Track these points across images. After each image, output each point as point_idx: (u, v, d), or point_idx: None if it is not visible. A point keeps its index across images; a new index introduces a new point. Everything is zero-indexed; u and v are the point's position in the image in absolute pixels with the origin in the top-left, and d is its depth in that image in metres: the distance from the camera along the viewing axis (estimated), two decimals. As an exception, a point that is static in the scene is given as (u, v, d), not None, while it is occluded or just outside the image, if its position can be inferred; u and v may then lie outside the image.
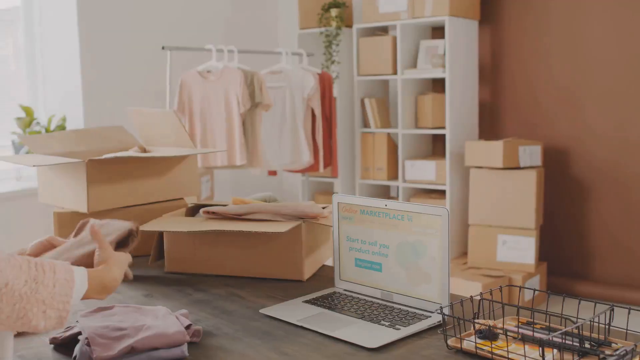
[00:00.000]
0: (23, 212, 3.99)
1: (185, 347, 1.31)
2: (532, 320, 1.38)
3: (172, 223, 1.88)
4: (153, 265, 1.99)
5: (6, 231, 3.94)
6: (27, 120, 4.11)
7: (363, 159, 4.99)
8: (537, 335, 1.28)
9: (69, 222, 2.05)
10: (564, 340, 1.23)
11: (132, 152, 2.17)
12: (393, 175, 4.92)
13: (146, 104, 4.47)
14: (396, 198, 5.06)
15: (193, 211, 2.12)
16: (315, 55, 5.05)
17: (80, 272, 1.14)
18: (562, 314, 1.35)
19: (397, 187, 4.92)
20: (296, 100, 4.44)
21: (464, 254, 4.68)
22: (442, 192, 4.81)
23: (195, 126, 4.09)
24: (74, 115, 4.30)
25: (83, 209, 2.00)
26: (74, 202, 2.03)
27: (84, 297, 1.16)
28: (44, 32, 4.40)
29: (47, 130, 4.10)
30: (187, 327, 1.36)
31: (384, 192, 5.25)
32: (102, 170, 2.01)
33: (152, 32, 4.65)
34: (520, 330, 1.30)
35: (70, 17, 4.28)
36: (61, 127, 4.13)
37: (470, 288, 4.10)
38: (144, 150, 2.27)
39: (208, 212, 1.90)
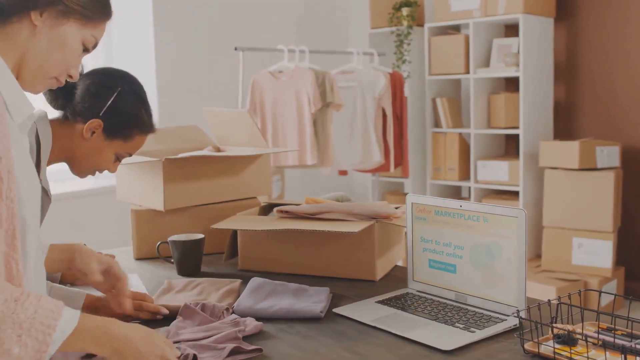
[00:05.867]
0: (101, 209, 4.11)
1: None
2: (612, 326, 1.34)
3: (246, 221, 1.90)
4: (227, 263, 2.02)
5: (84, 228, 4.07)
6: (105, 120, 4.23)
7: (434, 159, 4.94)
8: (618, 341, 1.24)
9: (146, 220, 2.09)
10: (647, 348, 1.19)
11: (207, 152, 2.21)
12: (464, 175, 4.86)
13: (218, 104, 4.54)
14: (467, 199, 4.99)
15: (266, 210, 2.14)
16: (387, 54, 5.02)
17: (72, 311, 1.04)
18: (645, 320, 1.30)
19: (469, 188, 4.86)
20: (367, 100, 4.43)
21: (537, 256, 4.57)
22: (514, 193, 4.72)
23: (267, 126, 4.13)
24: (149, 115, 4.40)
25: (159, 207, 2.04)
26: (151, 200, 2.08)
27: (75, 344, 1.02)
28: (120, 35, 4.51)
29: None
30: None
31: (455, 193, 5.18)
32: (177, 169, 2.05)
33: (225, 33, 4.72)
34: (601, 336, 1.26)
35: (146, 19, 4.39)
36: (137, 127, 4.23)
37: (544, 291, 4.01)
38: (218, 150, 2.31)
39: (281, 211, 1.91)
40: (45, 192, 1.69)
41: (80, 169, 1.73)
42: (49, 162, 1.70)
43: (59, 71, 1.23)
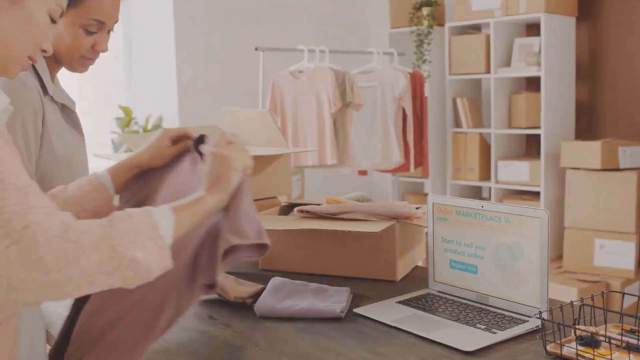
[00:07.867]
0: (122, 208, 4.13)
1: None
2: (636, 328, 1.33)
3: (266, 221, 1.90)
4: (247, 262, 2.02)
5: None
6: (126, 120, 4.26)
7: (454, 159, 4.92)
8: (642, 343, 1.23)
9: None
10: (672, 350, 1.17)
11: (228, 151, 2.21)
12: (485, 175, 4.84)
13: (238, 104, 4.55)
14: (488, 199, 4.97)
15: (286, 210, 2.14)
16: (407, 54, 5.01)
17: (160, 207, 1.06)
18: (669, 323, 1.29)
19: (489, 188, 4.83)
20: (387, 99, 4.42)
21: (559, 257, 4.54)
22: (535, 194, 4.69)
23: (287, 126, 4.14)
24: (169, 114, 4.43)
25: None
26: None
27: (188, 218, 1.08)
28: (141, 35, 4.54)
29: (144, 130, 4.24)
30: None
31: (476, 193, 5.16)
32: (199, 169, 2.06)
33: (245, 33, 4.73)
34: (625, 338, 1.25)
35: (166, 19, 4.41)
36: (158, 126, 4.25)
37: (565, 293, 3.98)
38: (239, 150, 2.31)
39: (302, 211, 1.91)
40: (69, 105, 1.73)
41: (67, 62, 1.68)
42: (52, 75, 1.70)
43: (31, 49, 1.15)
